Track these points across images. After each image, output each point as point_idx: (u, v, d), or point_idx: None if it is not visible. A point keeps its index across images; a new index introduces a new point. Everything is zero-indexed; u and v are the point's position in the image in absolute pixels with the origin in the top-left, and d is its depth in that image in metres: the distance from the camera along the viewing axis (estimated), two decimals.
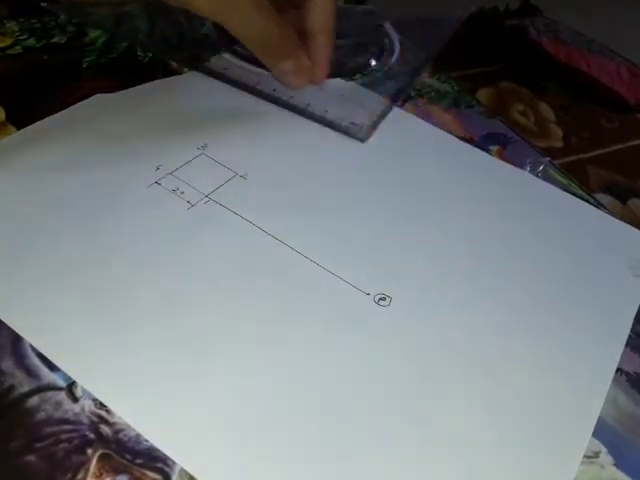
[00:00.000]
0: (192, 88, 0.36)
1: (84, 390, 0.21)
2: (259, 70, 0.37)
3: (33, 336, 0.22)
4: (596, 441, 0.23)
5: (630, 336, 0.27)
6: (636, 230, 0.32)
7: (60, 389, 0.21)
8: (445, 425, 0.22)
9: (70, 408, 0.21)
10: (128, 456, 0.20)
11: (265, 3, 0.28)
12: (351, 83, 0.38)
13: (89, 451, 0.20)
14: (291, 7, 0.32)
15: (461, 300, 0.27)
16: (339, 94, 0.37)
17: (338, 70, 0.39)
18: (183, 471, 0.20)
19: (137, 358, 0.22)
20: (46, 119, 0.31)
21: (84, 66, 0.37)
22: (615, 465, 0.23)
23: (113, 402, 0.21)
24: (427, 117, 0.38)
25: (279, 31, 0.29)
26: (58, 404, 0.21)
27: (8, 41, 0.38)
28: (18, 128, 0.31)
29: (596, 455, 0.23)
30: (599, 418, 0.23)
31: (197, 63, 0.38)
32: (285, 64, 0.31)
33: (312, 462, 0.20)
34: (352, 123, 0.35)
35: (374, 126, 0.35)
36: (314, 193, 0.31)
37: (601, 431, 0.23)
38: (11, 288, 0.24)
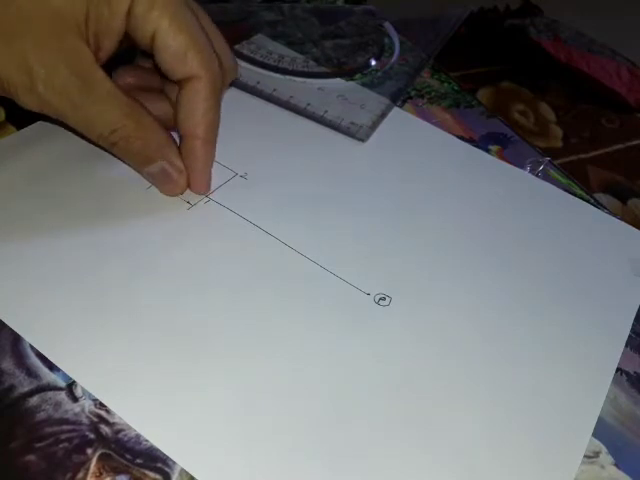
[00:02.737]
0: None
1: (84, 390, 0.21)
2: (259, 70, 0.37)
3: (33, 336, 0.22)
4: (596, 441, 0.23)
5: (630, 336, 0.27)
6: (636, 230, 0.32)
7: (60, 389, 0.21)
8: (445, 425, 0.22)
9: (70, 408, 0.21)
10: (128, 456, 0.20)
11: (116, 89, 0.24)
12: (351, 83, 0.38)
13: (89, 451, 0.20)
14: (155, 90, 0.28)
15: (461, 300, 0.27)
16: (339, 94, 0.37)
17: (338, 70, 0.39)
18: (183, 471, 0.20)
19: (137, 358, 0.22)
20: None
21: None
22: (615, 465, 0.23)
23: (113, 402, 0.21)
24: (427, 117, 0.38)
25: (139, 126, 0.24)
26: (58, 404, 0.21)
27: None
28: (18, 128, 0.31)
29: (596, 455, 0.23)
30: (599, 418, 0.23)
31: None
32: (151, 167, 0.26)
33: (312, 462, 0.20)
34: (352, 123, 0.35)
35: (374, 126, 0.35)
36: (314, 193, 0.31)
37: (601, 431, 0.23)
38: (11, 288, 0.24)
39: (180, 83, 0.26)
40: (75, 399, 0.21)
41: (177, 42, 0.24)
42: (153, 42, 0.24)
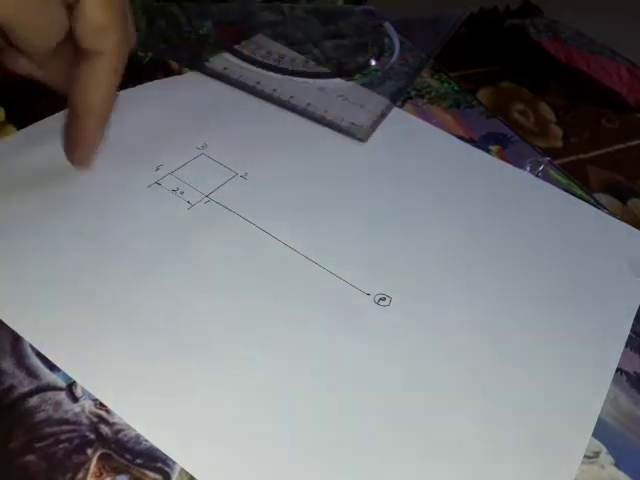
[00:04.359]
0: (192, 88, 0.36)
1: (84, 390, 0.21)
2: (259, 70, 0.37)
3: (33, 336, 0.22)
4: (596, 441, 0.23)
5: (630, 336, 0.27)
6: (636, 230, 0.32)
7: (60, 389, 0.21)
8: (445, 424, 0.22)
9: (70, 408, 0.21)
10: (128, 456, 0.20)
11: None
12: (351, 83, 0.38)
13: (89, 451, 0.20)
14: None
15: (461, 301, 0.27)
16: (339, 94, 0.37)
17: (338, 70, 0.39)
18: (183, 471, 0.20)
19: (137, 358, 0.22)
20: (46, 119, 0.31)
21: None
22: (615, 465, 0.23)
23: (113, 402, 0.21)
24: (427, 117, 0.38)
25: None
26: (58, 404, 0.21)
27: None
28: (18, 128, 0.31)
29: (596, 455, 0.23)
30: (599, 418, 0.23)
31: (197, 63, 0.38)
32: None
33: (311, 463, 0.20)
34: (352, 123, 0.35)
35: (374, 126, 0.35)
36: (314, 193, 0.31)
37: (601, 431, 0.23)
38: (11, 288, 0.24)
39: (86, 53, 0.25)
40: (75, 399, 0.21)
41: (101, 18, 0.24)
42: (74, 9, 0.23)
